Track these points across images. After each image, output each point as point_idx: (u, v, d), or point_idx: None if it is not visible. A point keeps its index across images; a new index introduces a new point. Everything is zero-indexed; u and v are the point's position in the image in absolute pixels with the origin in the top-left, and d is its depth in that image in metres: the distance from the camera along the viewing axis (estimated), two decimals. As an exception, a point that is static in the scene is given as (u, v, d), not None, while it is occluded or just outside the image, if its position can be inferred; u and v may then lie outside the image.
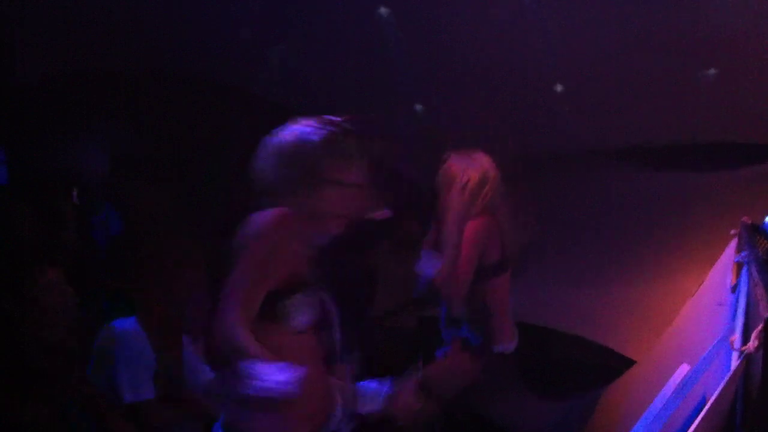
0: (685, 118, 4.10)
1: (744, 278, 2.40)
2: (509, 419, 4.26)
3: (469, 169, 3.35)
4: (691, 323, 2.99)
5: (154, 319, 2.95)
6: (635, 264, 4.23)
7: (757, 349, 1.87)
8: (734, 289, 2.45)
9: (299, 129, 2.25)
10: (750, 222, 2.79)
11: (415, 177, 4.02)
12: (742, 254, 2.51)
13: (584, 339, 4.15)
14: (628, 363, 3.79)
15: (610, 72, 3.99)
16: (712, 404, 1.86)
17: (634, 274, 4.21)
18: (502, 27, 3.97)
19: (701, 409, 1.90)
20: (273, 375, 1.83)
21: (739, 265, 2.51)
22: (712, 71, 3.71)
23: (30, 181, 4.41)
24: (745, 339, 1.97)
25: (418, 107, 4.29)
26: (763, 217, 2.77)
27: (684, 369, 2.41)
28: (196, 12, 4.29)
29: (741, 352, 1.95)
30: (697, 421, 1.84)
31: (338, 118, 2.28)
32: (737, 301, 2.32)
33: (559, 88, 4.09)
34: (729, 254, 2.73)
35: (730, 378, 1.91)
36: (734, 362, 1.98)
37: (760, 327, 1.86)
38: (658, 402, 2.27)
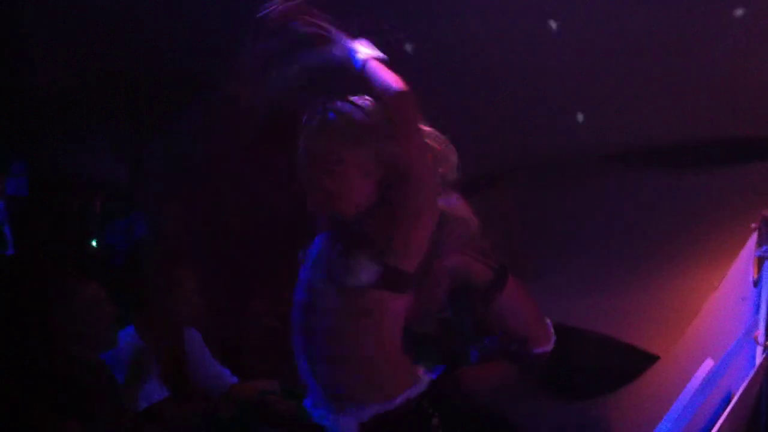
0: (698, 115, 4.08)
1: (766, 272, 2.40)
2: (528, 422, 4.25)
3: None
4: (714, 318, 2.99)
5: (153, 326, 2.99)
6: (655, 262, 4.21)
7: (781, 343, 1.88)
8: (756, 283, 2.45)
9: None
10: (771, 216, 2.78)
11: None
12: (764, 248, 2.50)
13: (606, 338, 4.14)
14: (652, 359, 3.78)
15: (617, 68, 3.98)
16: (737, 400, 1.86)
17: (655, 273, 4.20)
18: (502, 27, 3.96)
19: (726, 405, 1.90)
20: None
21: (760, 260, 2.50)
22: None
23: (50, 188, 4.46)
24: (769, 334, 1.98)
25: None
26: (784, 211, 2.76)
27: (708, 364, 2.41)
28: (215, 14, 4.31)
29: (765, 347, 1.95)
30: (722, 417, 1.84)
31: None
32: (760, 295, 2.31)
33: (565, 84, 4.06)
34: (750, 248, 2.72)
35: (755, 373, 1.91)
36: (759, 357, 1.98)
37: (783, 322, 1.86)
38: (683, 398, 2.27)
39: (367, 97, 2.15)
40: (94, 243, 4.29)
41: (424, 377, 2.12)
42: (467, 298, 3.40)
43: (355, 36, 2.11)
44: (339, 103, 2.13)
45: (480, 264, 3.25)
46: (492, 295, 3.22)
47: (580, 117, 3.96)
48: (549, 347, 3.30)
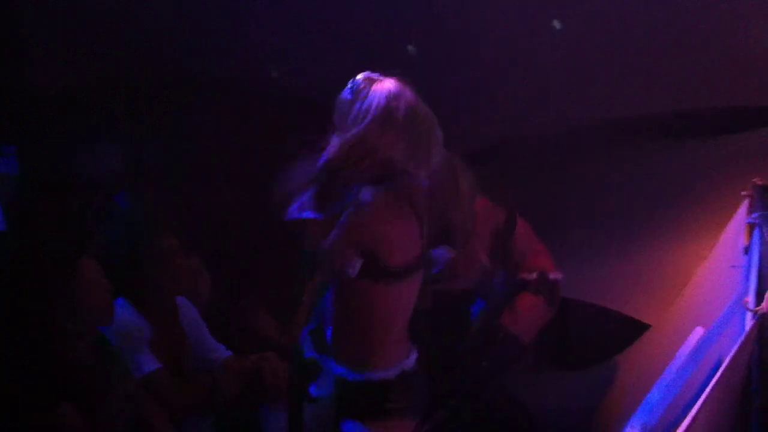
0: (686, 84, 4.07)
1: (756, 239, 2.40)
2: (527, 392, 4.27)
3: None
4: (705, 286, 2.99)
5: (152, 308, 2.98)
6: (646, 232, 4.22)
7: (771, 309, 1.88)
8: (747, 250, 2.45)
9: None
10: (761, 183, 2.78)
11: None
12: (754, 215, 2.51)
13: (599, 308, 4.16)
14: (644, 328, 3.79)
15: (611, 38, 3.96)
16: (727, 365, 1.87)
17: (646, 242, 4.20)
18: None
19: (717, 372, 1.90)
20: None
21: (751, 227, 2.50)
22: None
23: (49, 181, 4.46)
24: (759, 299, 1.98)
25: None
26: (774, 178, 2.76)
27: (698, 332, 2.41)
28: (214, 13, 4.29)
29: (755, 313, 1.95)
30: (712, 383, 1.84)
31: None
32: (750, 262, 2.32)
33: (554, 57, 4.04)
34: (741, 216, 2.72)
35: (744, 339, 1.91)
36: (748, 323, 1.98)
37: (773, 287, 1.86)
38: (674, 366, 2.27)
39: None
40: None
41: (397, 368, 2.31)
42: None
43: None
44: None
45: (494, 206, 3.32)
46: (511, 227, 3.31)
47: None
48: (560, 275, 3.41)
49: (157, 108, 4.71)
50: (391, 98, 2.21)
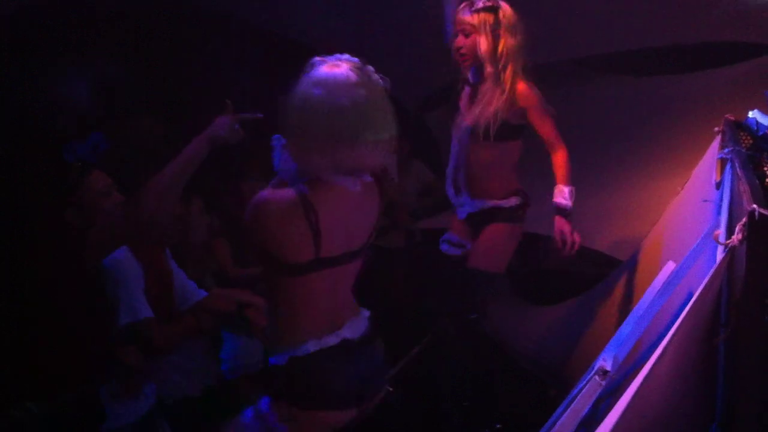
0: (664, 21, 4.05)
1: (728, 174, 2.42)
2: (505, 328, 4.34)
3: None
4: (677, 221, 3.03)
5: (141, 245, 2.96)
6: (620, 167, 4.25)
7: (740, 242, 1.90)
8: (719, 185, 2.47)
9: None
10: (733, 119, 2.80)
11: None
12: (726, 151, 2.52)
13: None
14: (615, 264, 3.84)
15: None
16: (697, 298, 1.89)
17: (620, 177, 4.23)
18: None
19: (687, 305, 1.93)
20: None
21: (723, 162, 2.52)
22: None
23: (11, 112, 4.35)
24: (730, 233, 2.00)
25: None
26: (746, 114, 2.78)
27: (670, 266, 2.45)
28: None
29: (725, 247, 1.98)
30: (682, 315, 1.87)
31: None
32: (722, 196, 2.34)
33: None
34: (713, 151, 2.74)
35: (714, 271, 1.93)
36: (719, 257, 2.00)
37: (743, 220, 1.88)
38: (646, 299, 2.31)
39: None
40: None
41: None
42: None
43: None
44: None
45: None
46: None
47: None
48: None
49: (124, 30, 4.58)
50: None
